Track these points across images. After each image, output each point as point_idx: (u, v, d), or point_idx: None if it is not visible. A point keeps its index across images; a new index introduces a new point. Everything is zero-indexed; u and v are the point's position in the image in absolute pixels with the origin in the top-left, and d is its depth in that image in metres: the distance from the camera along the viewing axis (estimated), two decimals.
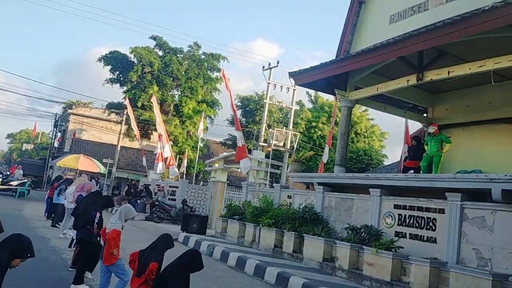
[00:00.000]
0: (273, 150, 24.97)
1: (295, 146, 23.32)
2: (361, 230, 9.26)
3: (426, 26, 8.72)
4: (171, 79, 31.09)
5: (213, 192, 18.72)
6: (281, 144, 22.28)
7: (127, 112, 26.31)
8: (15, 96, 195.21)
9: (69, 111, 44.10)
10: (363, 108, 33.93)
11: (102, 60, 30.69)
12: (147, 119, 28.34)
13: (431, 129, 10.82)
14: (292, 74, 12.71)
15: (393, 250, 8.09)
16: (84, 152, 31.31)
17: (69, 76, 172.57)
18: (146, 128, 29.98)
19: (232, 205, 14.81)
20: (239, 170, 16.89)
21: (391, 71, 11.26)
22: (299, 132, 28.68)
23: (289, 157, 21.34)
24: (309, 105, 36.88)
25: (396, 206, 8.92)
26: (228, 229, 13.85)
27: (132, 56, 30.14)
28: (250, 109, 36.21)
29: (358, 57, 10.54)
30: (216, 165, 19.48)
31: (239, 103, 37.21)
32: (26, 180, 24.02)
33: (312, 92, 36.09)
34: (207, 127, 32.67)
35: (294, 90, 23.33)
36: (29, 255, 3.62)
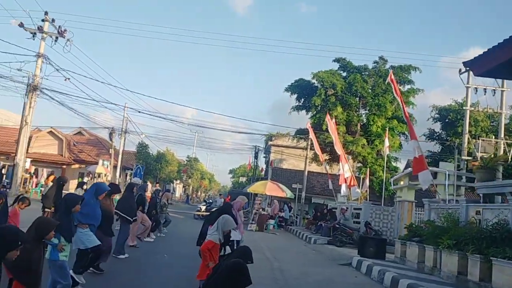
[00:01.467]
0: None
1: (510, 158, 19.44)
2: None
3: None
4: (357, 98, 30.07)
5: (400, 213, 16.76)
6: (491, 156, 18.86)
7: (311, 138, 26.35)
8: (240, 136, 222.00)
9: (270, 143, 47.08)
10: None
11: (289, 90, 31.71)
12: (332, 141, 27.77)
13: None
14: (467, 64, 10.37)
15: None
16: (281, 179, 32.59)
17: (283, 112, 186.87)
18: (334, 151, 29.37)
19: (414, 225, 12.81)
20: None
21: None
22: None
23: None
24: None
25: None
26: (407, 253, 11.93)
27: (314, 81, 30.33)
28: (449, 120, 32.26)
29: None
30: (402, 182, 17.51)
31: (436, 115, 33.65)
32: None
33: None
34: (400, 144, 30.21)
35: (502, 91, 19.70)
36: (20, 243, 3.32)
